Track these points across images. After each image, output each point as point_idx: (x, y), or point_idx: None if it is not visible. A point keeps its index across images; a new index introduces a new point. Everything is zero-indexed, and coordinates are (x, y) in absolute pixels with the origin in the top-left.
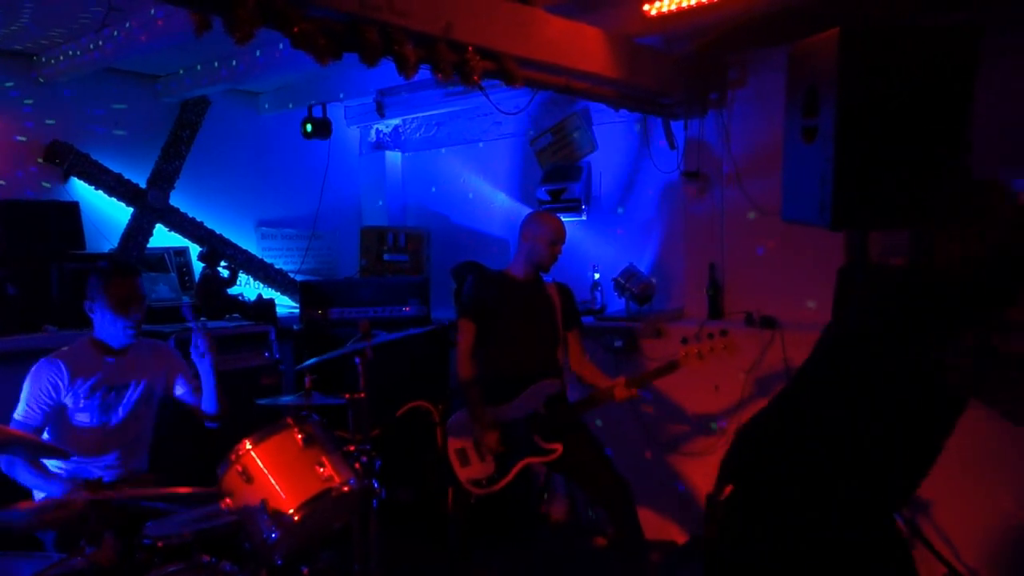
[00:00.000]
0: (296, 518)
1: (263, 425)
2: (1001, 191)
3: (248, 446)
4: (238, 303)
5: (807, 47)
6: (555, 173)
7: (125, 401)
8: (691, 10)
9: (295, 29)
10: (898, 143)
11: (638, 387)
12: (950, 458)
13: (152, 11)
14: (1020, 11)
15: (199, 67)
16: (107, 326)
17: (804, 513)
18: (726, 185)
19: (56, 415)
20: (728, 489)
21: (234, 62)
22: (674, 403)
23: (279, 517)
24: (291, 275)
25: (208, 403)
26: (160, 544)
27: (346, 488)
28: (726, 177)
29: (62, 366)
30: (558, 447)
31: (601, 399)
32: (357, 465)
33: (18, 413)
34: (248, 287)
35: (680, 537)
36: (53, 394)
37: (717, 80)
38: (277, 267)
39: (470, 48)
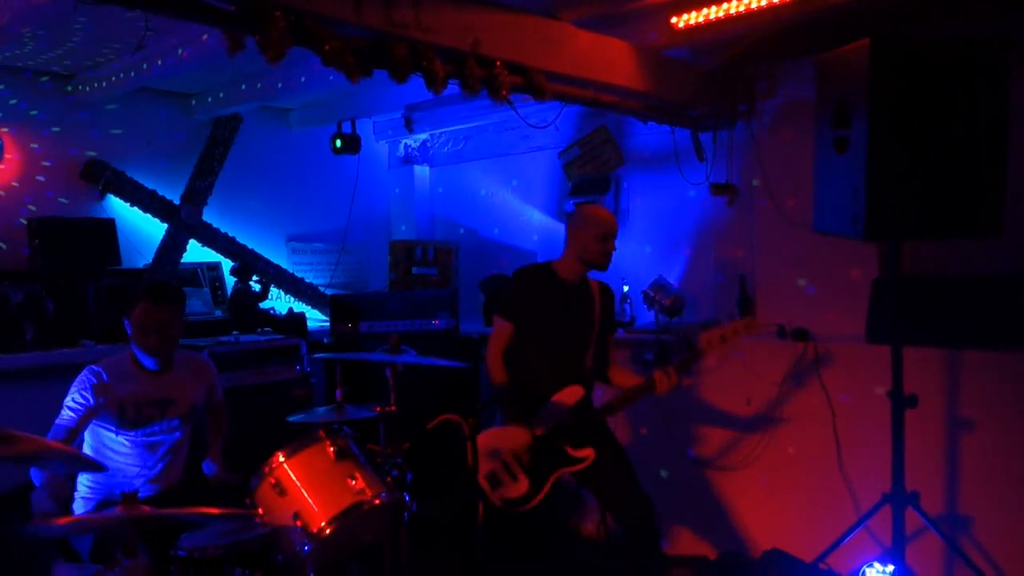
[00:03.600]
0: (328, 531)
1: (295, 438)
2: None
3: (281, 459)
4: (269, 317)
5: (836, 58)
6: (583, 186)
7: (167, 417)
8: (718, 22)
9: (326, 47)
10: (931, 153)
11: (679, 372)
12: (993, 474)
13: (186, 32)
14: None
15: (233, 85)
16: (135, 345)
17: None
18: (756, 196)
19: (97, 424)
20: None
21: (261, 82)
22: (705, 416)
23: (311, 530)
24: (321, 289)
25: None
26: (195, 556)
27: (377, 501)
28: (756, 189)
29: (102, 372)
30: (590, 453)
31: (639, 394)
32: (389, 479)
33: (59, 418)
34: (279, 301)
35: (711, 552)
36: (90, 397)
37: (745, 92)
38: (307, 281)
39: (498, 63)
